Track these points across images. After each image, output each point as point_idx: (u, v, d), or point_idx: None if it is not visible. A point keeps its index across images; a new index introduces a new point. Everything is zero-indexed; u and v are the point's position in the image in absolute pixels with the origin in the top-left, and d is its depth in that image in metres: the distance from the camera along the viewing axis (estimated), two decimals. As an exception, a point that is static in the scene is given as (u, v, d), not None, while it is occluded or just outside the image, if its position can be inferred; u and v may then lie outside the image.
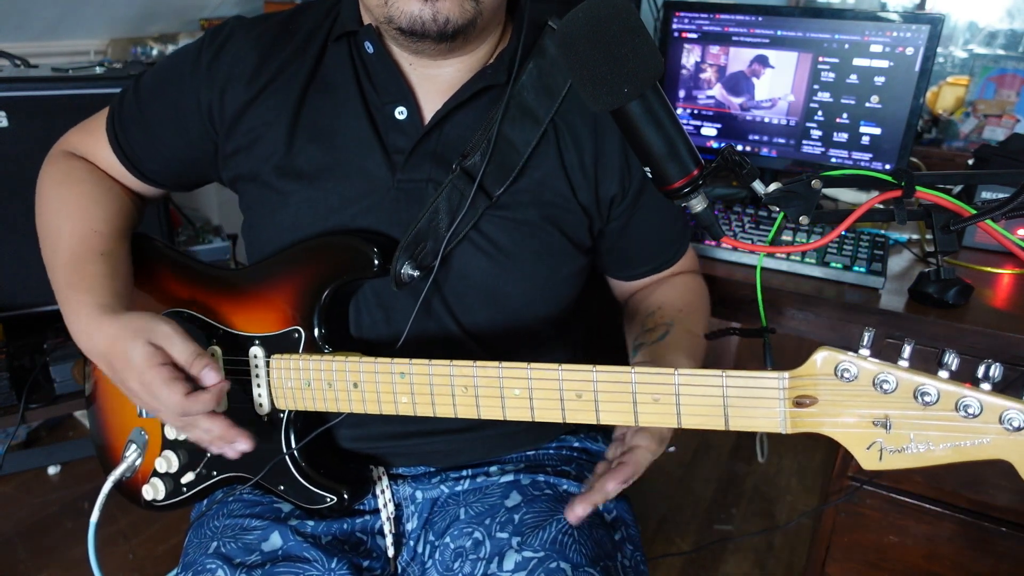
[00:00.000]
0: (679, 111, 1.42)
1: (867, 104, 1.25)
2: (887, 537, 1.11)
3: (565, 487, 0.89)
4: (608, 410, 0.65)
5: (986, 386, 0.54)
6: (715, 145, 1.41)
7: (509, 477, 0.91)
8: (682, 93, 1.42)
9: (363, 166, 0.82)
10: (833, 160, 1.31)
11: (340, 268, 0.80)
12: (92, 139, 0.93)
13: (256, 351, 0.83)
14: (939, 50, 1.21)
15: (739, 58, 1.34)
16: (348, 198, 0.82)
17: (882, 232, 1.25)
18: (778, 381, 0.59)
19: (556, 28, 0.68)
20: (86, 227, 0.85)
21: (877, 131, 1.26)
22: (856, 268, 1.08)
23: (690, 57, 1.38)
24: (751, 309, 1.15)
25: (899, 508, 1.09)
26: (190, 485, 0.89)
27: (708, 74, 1.38)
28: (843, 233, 1.17)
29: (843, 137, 1.29)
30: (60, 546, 1.75)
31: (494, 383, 0.69)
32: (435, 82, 0.82)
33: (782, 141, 1.35)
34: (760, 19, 1.30)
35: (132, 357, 0.73)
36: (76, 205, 0.87)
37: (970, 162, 1.35)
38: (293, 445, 0.83)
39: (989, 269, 1.15)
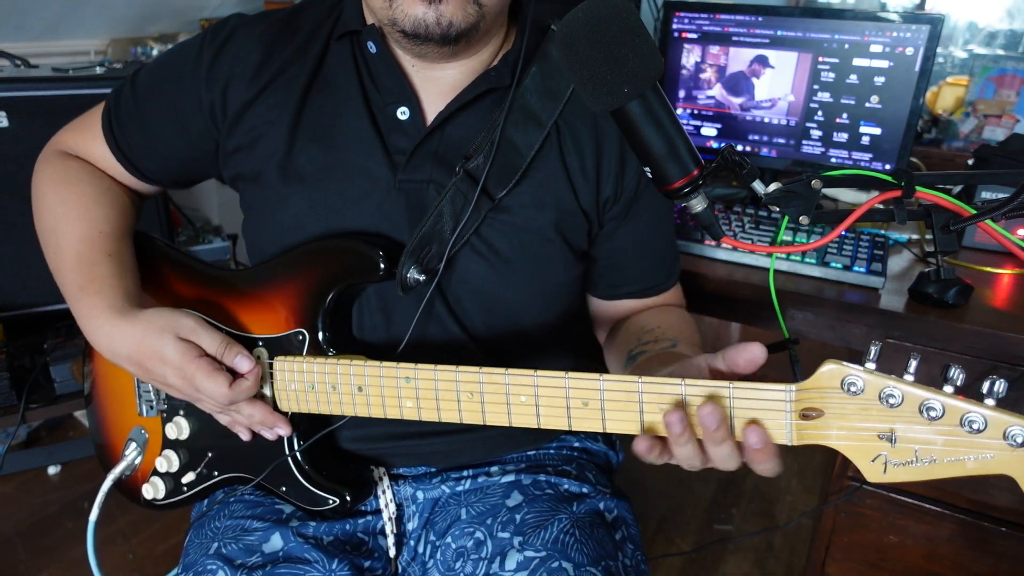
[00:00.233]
0: (679, 111, 1.42)
1: (867, 104, 1.25)
2: (887, 537, 1.11)
3: (566, 486, 0.89)
4: (614, 419, 0.65)
5: (990, 401, 0.54)
6: (715, 145, 1.42)
7: (510, 477, 0.91)
8: (682, 93, 1.42)
9: (364, 166, 0.81)
10: (833, 160, 1.31)
11: (345, 272, 0.80)
12: (87, 137, 0.92)
13: (260, 352, 0.83)
14: (939, 50, 1.21)
15: (739, 58, 1.34)
16: (349, 198, 0.82)
17: (882, 232, 1.25)
18: (785, 393, 0.59)
19: (555, 29, 0.68)
20: (91, 229, 0.85)
21: (877, 131, 1.26)
22: (856, 268, 1.08)
23: (690, 57, 1.38)
24: (751, 309, 1.15)
25: (899, 508, 1.09)
26: (190, 485, 0.89)
27: (708, 74, 1.38)
28: (843, 233, 1.17)
29: (843, 137, 1.29)
30: (60, 546, 1.75)
31: (500, 389, 0.69)
32: (438, 83, 0.82)
33: (782, 141, 1.35)
34: (760, 19, 1.30)
35: (166, 354, 0.75)
36: (77, 206, 0.87)
37: (970, 162, 1.35)
38: (296, 447, 0.83)
39: (989, 269, 1.15)
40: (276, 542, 0.83)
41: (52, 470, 2.00)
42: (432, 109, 0.82)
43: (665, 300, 0.95)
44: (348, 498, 0.83)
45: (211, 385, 0.74)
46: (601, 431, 0.67)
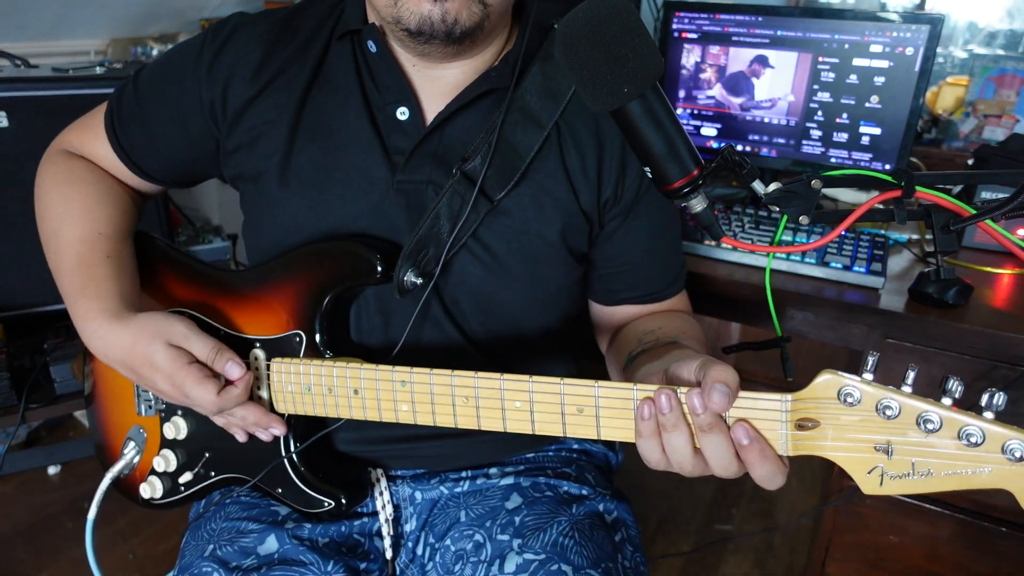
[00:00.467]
0: (679, 111, 1.42)
1: (867, 104, 1.25)
2: (887, 537, 1.11)
3: (566, 488, 0.89)
4: (609, 425, 0.65)
5: (989, 415, 0.54)
6: (715, 145, 1.41)
7: (509, 480, 0.91)
8: (682, 93, 1.42)
9: (363, 166, 0.81)
10: (833, 160, 1.31)
11: (343, 274, 0.79)
12: (90, 136, 0.92)
13: (257, 353, 0.83)
14: (939, 50, 1.21)
15: (739, 58, 1.34)
16: (347, 198, 0.81)
17: (882, 232, 1.25)
18: (781, 403, 0.59)
19: (556, 28, 0.67)
20: (91, 230, 0.85)
21: (877, 131, 1.26)
22: (856, 268, 1.08)
23: (690, 57, 1.38)
24: (751, 310, 1.15)
25: (899, 508, 1.09)
26: (188, 485, 0.89)
27: (708, 74, 1.38)
28: (843, 233, 1.17)
29: (843, 137, 1.29)
30: (60, 546, 1.75)
31: (495, 394, 0.68)
32: (438, 83, 0.81)
33: (782, 141, 1.35)
34: (760, 19, 1.30)
35: (156, 360, 0.74)
36: (79, 207, 0.87)
37: (970, 162, 1.35)
38: (292, 449, 0.83)
39: (989, 269, 1.15)
40: (271, 544, 0.83)
41: (52, 470, 2.00)
42: (432, 109, 0.82)
43: (668, 307, 0.94)
44: (344, 501, 0.83)
45: (200, 392, 0.74)
46: (596, 438, 0.66)
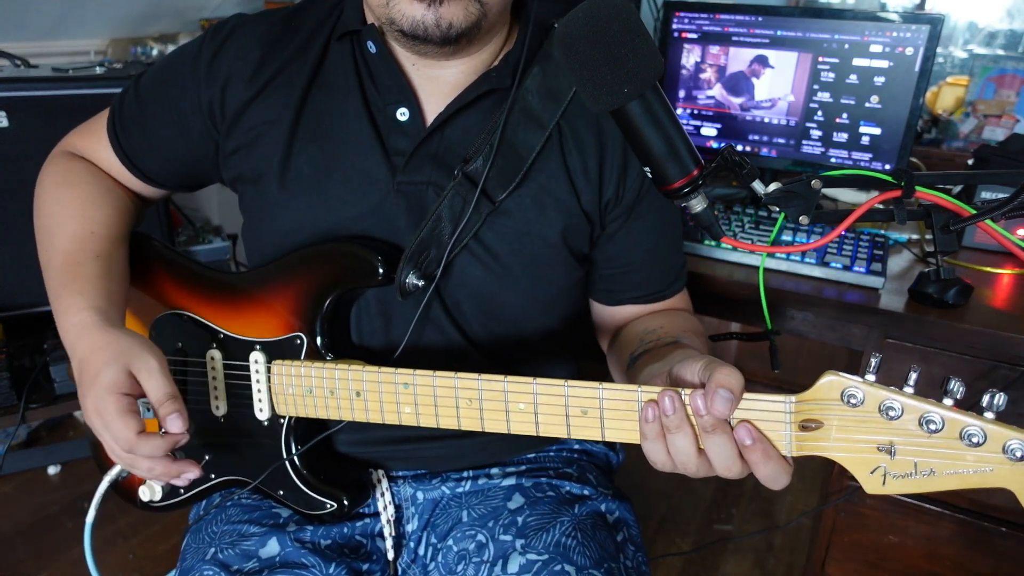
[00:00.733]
0: (679, 111, 1.42)
1: (867, 104, 1.25)
2: (887, 537, 1.11)
3: (568, 488, 0.89)
4: (613, 427, 0.65)
5: (990, 415, 0.54)
6: (715, 145, 1.41)
7: (511, 480, 0.91)
8: (682, 93, 1.42)
9: (363, 167, 0.81)
10: (833, 160, 1.31)
11: (344, 276, 0.79)
12: (93, 140, 0.92)
13: (257, 356, 0.82)
14: (939, 50, 1.21)
15: (739, 58, 1.34)
16: (347, 200, 0.81)
17: (882, 232, 1.25)
18: (785, 405, 0.59)
19: (556, 28, 0.67)
20: (83, 228, 0.85)
21: (877, 131, 1.26)
22: (856, 268, 1.08)
23: (690, 57, 1.38)
24: (751, 309, 1.15)
25: (899, 508, 1.09)
26: (187, 487, 0.89)
27: (708, 74, 1.38)
28: (843, 233, 1.17)
29: (843, 137, 1.29)
30: (60, 546, 1.75)
31: (499, 396, 0.68)
32: (438, 83, 0.81)
33: (782, 141, 1.35)
34: (760, 19, 1.30)
35: (101, 377, 0.71)
36: (75, 206, 0.87)
37: (970, 162, 1.35)
38: (293, 451, 0.83)
39: (989, 269, 1.15)
40: (273, 547, 0.82)
41: (52, 470, 2.00)
42: (432, 110, 0.81)
43: (670, 306, 0.94)
44: (346, 502, 0.83)
45: (119, 424, 0.69)
46: (600, 439, 0.66)
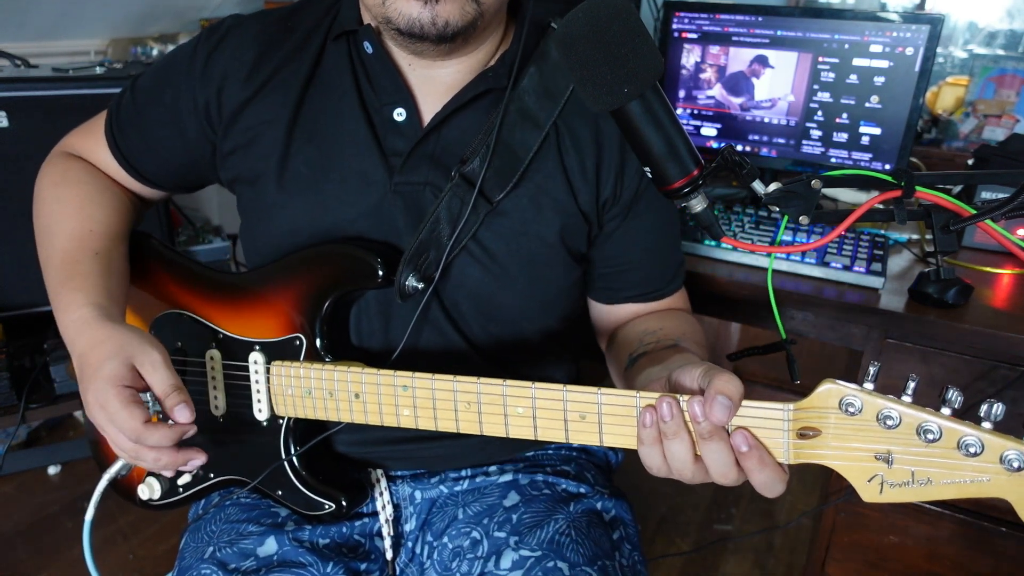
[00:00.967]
0: (679, 111, 1.42)
1: (867, 104, 1.25)
2: (887, 537, 1.11)
3: (564, 486, 0.89)
4: (611, 432, 0.65)
5: (988, 425, 0.54)
6: (715, 145, 1.41)
7: (508, 477, 0.91)
8: (682, 93, 1.42)
9: (360, 168, 0.81)
10: (833, 160, 1.31)
11: (343, 278, 0.79)
12: (91, 141, 0.92)
13: (256, 357, 0.82)
14: (939, 50, 1.21)
15: (739, 58, 1.34)
16: (344, 200, 0.81)
17: (882, 232, 1.25)
18: (783, 412, 0.59)
19: (555, 28, 0.67)
20: (82, 227, 0.85)
21: (877, 131, 1.26)
22: (856, 268, 1.08)
23: (690, 57, 1.38)
24: (751, 309, 1.15)
25: (899, 508, 1.09)
26: (186, 486, 0.89)
27: (708, 74, 1.38)
28: (843, 233, 1.17)
29: (843, 137, 1.29)
30: (60, 546, 1.75)
31: (498, 400, 0.69)
32: (435, 83, 0.81)
33: (782, 141, 1.35)
34: (760, 19, 1.30)
35: (103, 370, 0.70)
36: (73, 205, 0.87)
37: (970, 162, 1.35)
38: (292, 452, 0.83)
39: (989, 269, 1.15)
40: (271, 546, 0.82)
41: (52, 470, 2.00)
42: (429, 110, 0.81)
43: (668, 305, 0.94)
44: (344, 503, 0.83)
45: (124, 414, 0.68)
46: (598, 444, 0.67)
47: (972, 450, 0.54)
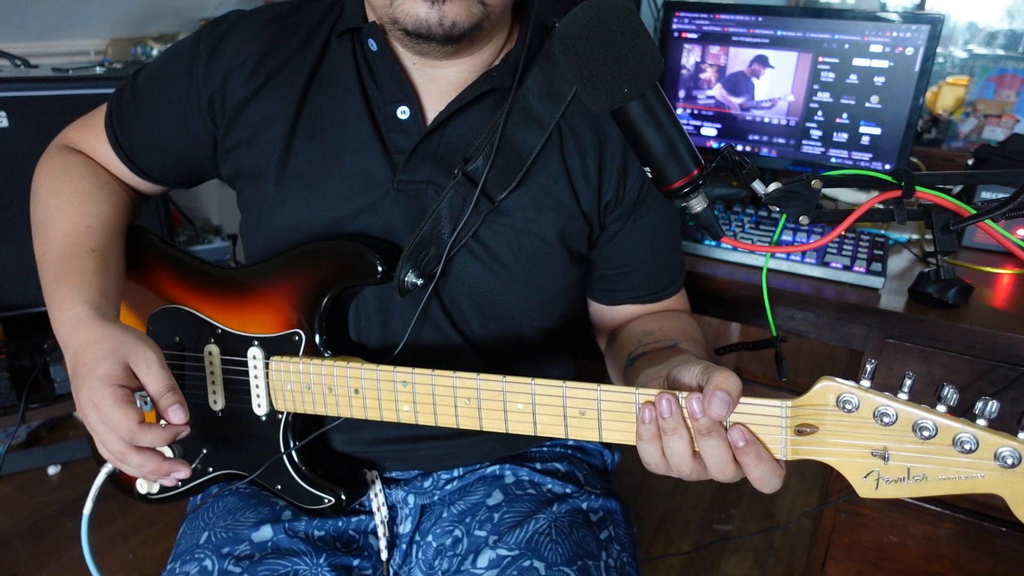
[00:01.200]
0: (679, 111, 1.42)
1: (867, 104, 1.25)
2: (887, 537, 1.11)
3: (549, 487, 0.90)
4: (611, 428, 0.66)
5: (982, 422, 0.55)
6: (715, 145, 1.41)
7: (495, 471, 0.91)
8: (682, 93, 1.42)
9: (363, 165, 0.81)
10: (833, 160, 1.31)
11: (343, 274, 0.79)
12: (91, 135, 0.92)
13: (255, 352, 0.83)
14: (939, 50, 1.21)
15: (739, 58, 1.34)
16: (346, 197, 0.81)
17: (882, 232, 1.25)
18: (780, 409, 0.60)
19: (556, 28, 0.67)
20: (79, 222, 0.84)
21: (877, 131, 1.26)
22: (856, 268, 1.08)
23: (690, 57, 1.38)
24: (751, 309, 1.15)
25: (899, 508, 1.09)
26: (185, 480, 0.90)
27: (708, 74, 1.38)
28: (843, 233, 1.17)
29: (843, 137, 1.29)
30: (60, 546, 1.75)
31: (497, 396, 0.69)
32: (439, 82, 0.81)
33: (782, 141, 1.35)
34: (760, 19, 1.30)
35: (96, 368, 0.70)
36: (71, 200, 0.86)
37: (970, 162, 1.35)
38: (291, 445, 0.83)
39: (989, 269, 1.15)
40: (266, 533, 0.83)
41: (52, 470, 2.00)
42: (432, 108, 0.81)
43: (668, 306, 0.94)
44: (344, 497, 0.83)
45: (118, 414, 0.68)
46: (597, 440, 0.67)
47: (967, 447, 0.55)
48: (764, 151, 1.37)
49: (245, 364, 0.83)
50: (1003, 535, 1.04)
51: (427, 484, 0.92)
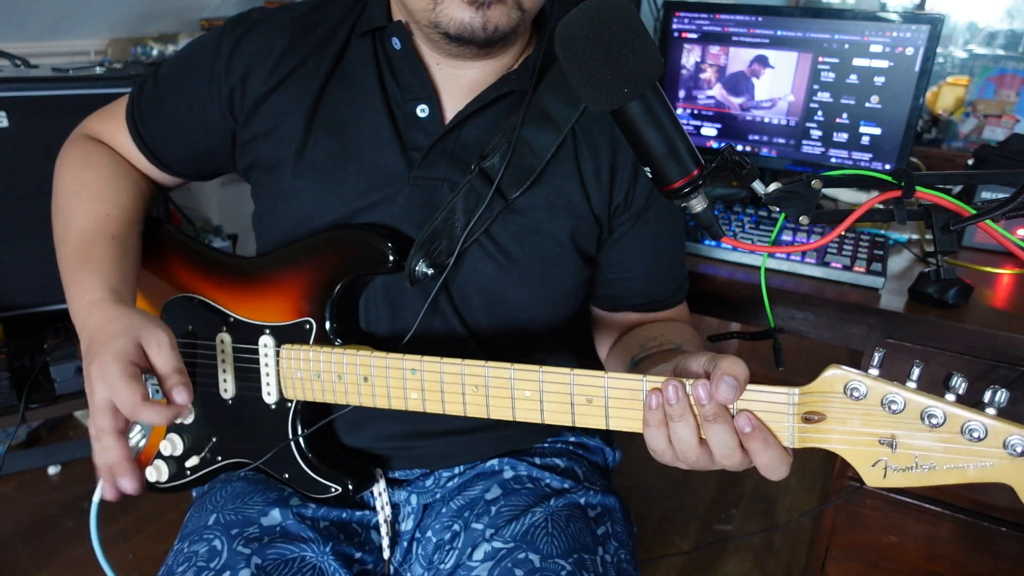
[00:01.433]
0: (679, 111, 1.42)
1: (867, 104, 1.25)
2: (887, 537, 1.11)
3: (547, 482, 0.90)
4: (618, 416, 0.66)
5: (991, 411, 0.55)
6: (715, 145, 1.42)
7: (494, 463, 0.92)
8: (682, 93, 1.42)
9: (380, 161, 0.82)
10: (833, 160, 1.31)
11: (354, 263, 0.80)
12: (112, 126, 0.94)
13: (266, 340, 0.83)
14: (939, 50, 1.21)
15: (739, 58, 1.34)
16: (361, 191, 0.82)
17: (882, 232, 1.25)
18: (788, 397, 0.60)
19: (556, 28, 0.68)
20: (100, 210, 0.86)
21: (877, 131, 1.26)
22: (856, 268, 1.08)
23: (690, 57, 1.38)
24: (752, 309, 1.15)
25: (899, 508, 1.09)
26: (194, 469, 0.90)
27: (708, 74, 1.38)
28: (843, 233, 1.17)
29: (843, 137, 1.29)
30: (60, 546, 1.75)
31: (505, 384, 0.69)
32: (459, 82, 0.83)
33: (782, 141, 1.35)
34: (760, 19, 1.30)
35: (109, 345, 0.71)
36: (92, 188, 0.88)
37: (970, 162, 1.35)
38: (299, 433, 0.84)
39: (989, 269, 1.15)
40: (275, 516, 0.83)
41: (52, 470, 2.00)
42: (451, 108, 0.83)
43: (669, 316, 0.95)
44: (351, 486, 0.84)
45: (125, 387, 0.69)
46: (605, 428, 0.67)
47: (976, 435, 0.54)
48: (764, 151, 1.37)
49: (256, 352, 0.84)
50: (1003, 535, 1.04)
51: (429, 483, 0.93)
